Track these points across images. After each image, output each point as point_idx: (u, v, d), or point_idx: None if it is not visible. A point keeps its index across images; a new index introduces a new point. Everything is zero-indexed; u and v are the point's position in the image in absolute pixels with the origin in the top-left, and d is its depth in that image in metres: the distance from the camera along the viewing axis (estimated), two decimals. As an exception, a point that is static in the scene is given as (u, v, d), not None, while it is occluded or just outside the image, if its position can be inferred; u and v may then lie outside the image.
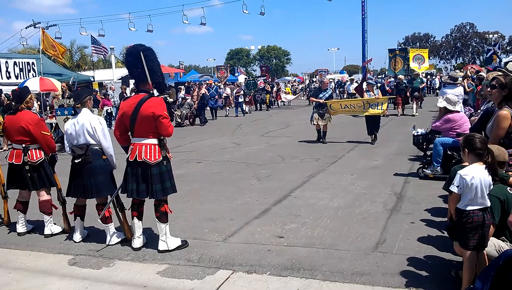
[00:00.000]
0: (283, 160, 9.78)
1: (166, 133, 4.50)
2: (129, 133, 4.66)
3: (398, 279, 3.81)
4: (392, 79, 23.23)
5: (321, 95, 11.78)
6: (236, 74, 42.28)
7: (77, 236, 5.05)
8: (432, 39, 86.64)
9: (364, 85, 12.12)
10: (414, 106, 18.62)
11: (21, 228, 5.33)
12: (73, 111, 4.95)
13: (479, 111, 7.03)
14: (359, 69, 54.30)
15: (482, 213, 3.16)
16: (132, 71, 4.54)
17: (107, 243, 4.90)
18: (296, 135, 13.68)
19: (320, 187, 7.20)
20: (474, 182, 3.10)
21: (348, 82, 30.05)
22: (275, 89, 29.33)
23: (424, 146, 8.05)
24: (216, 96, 21.08)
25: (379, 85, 19.47)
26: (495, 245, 3.50)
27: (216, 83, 23.80)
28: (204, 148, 12.11)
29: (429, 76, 37.40)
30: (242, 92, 23.97)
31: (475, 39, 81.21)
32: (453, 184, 3.20)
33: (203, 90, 19.66)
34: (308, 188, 7.15)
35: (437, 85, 31.84)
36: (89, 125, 4.76)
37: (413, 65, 23.67)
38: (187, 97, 20.00)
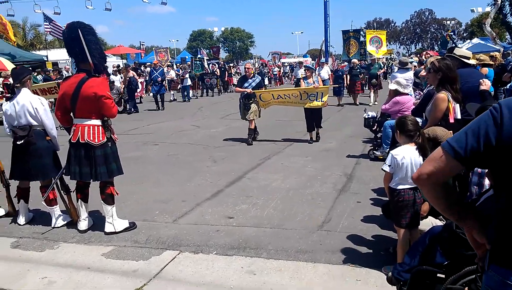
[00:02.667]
0: (240, 143, 9.81)
1: (110, 113, 4.42)
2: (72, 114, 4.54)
3: (339, 256, 3.95)
4: (347, 63, 20.76)
5: (246, 84, 9.58)
6: (199, 56, 41.54)
7: (22, 219, 4.93)
8: (392, 24, 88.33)
9: (302, 71, 11.32)
10: (372, 94, 16.57)
11: (-39, 212, 5.14)
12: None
13: (421, 94, 7.27)
14: (322, 52, 54.60)
15: (413, 191, 3.31)
16: (70, 49, 4.40)
17: (52, 226, 4.81)
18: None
19: (274, 169, 7.29)
20: (404, 162, 3.24)
21: (296, 67, 24.09)
22: (227, 73, 26.28)
23: (377, 129, 8.27)
24: (159, 79, 17.36)
25: (332, 70, 18.70)
26: (432, 224, 3.67)
27: (160, 64, 21.04)
28: (163, 130, 11.96)
29: (390, 61, 37.23)
30: (187, 76, 21.42)
31: (433, 25, 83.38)
32: (385, 163, 3.33)
33: (130, 73, 17.26)
34: (262, 170, 7.23)
35: (396, 70, 31.42)
36: (30, 106, 4.60)
37: (370, 48, 21.44)
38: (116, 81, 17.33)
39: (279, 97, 9.74)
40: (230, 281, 3.59)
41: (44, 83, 12.43)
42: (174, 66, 23.83)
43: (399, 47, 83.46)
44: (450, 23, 56.78)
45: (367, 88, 17.54)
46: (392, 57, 39.22)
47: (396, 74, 10.30)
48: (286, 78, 35.06)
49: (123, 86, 17.02)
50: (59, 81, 13.35)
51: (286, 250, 4.12)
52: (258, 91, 9.58)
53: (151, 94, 18.42)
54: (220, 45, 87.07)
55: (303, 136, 10.08)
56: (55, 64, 23.26)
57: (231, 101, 20.61)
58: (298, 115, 10.91)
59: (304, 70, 10.10)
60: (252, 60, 35.69)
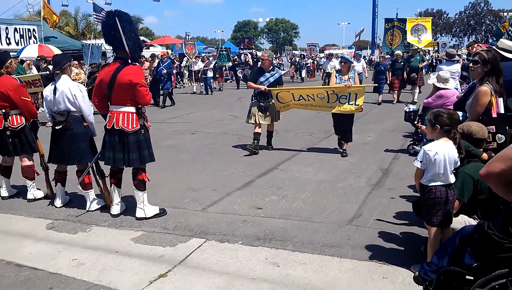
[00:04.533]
0: (277, 133, 9.68)
1: (144, 101, 4.49)
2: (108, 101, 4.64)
3: (367, 252, 3.83)
4: (389, 56, 17.99)
5: (262, 79, 7.68)
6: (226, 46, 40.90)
7: (58, 202, 5.12)
8: (445, 15, 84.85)
9: (335, 63, 9.69)
10: (417, 90, 14.50)
11: (4, 192, 5.41)
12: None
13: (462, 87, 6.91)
14: (368, 44, 53.05)
15: (446, 189, 3.14)
16: (108, 37, 4.48)
17: (87, 209, 4.97)
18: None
19: (308, 161, 7.19)
20: (437, 158, 3.07)
21: (325, 59, 21.38)
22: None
23: (419, 123, 7.95)
24: (164, 72, 14.85)
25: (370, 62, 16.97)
26: (465, 222, 3.49)
27: (172, 55, 19.55)
28: (201, 119, 12.09)
29: (436, 53, 34.84)
30: (211, 66, 20.13)
31: (489, 17, 79.36)
32: (416, 159, 3.17)
33: (155, 63, 15.68)
34: (296, 162, 7.16)
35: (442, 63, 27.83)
36: (69, 92, 4.74)
37: (411, 38, 18.31)
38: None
39: (300, 98, 7.67)
40: (253, 271, 3.57)
41: (28, 75, 11.57)
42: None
43: (451, 39, 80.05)
44: (508, 14, 53.67)
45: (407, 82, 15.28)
46: (436, 49, 36.75)
47: (442, 66, 9.83)
48: (320, 71, 33.48)
49: (149, 76, 15.41)
50: (43, 73, 12.12)
51: (312, 243, 4.05)
52: (275, 89, 7.69)
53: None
54: (264, 36, 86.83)
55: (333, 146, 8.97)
56: (103, 53, 24.02)
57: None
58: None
59: (340, 62, 7.92)
60: (284, 53, 33.93)
